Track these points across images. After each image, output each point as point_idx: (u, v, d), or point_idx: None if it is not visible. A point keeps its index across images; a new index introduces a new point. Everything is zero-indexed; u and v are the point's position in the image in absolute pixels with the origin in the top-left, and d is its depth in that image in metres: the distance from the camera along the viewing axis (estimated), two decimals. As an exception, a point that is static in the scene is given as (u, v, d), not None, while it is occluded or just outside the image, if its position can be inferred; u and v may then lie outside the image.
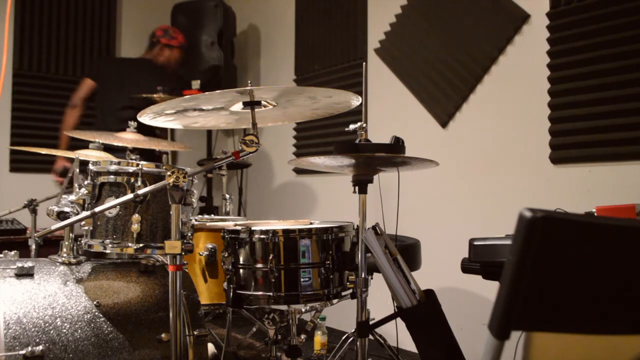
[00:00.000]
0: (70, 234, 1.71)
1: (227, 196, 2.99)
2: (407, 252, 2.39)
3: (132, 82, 3.41)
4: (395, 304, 2.07)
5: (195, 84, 3.97)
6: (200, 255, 2.02)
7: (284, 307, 1.85)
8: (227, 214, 2.99)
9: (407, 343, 2.76)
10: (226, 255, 1.84)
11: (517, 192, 2.64)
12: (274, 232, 1.76)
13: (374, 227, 1.74)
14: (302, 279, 1.76)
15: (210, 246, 2.03)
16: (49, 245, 2.27)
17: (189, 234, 1.70)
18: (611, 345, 0.82)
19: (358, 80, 3.39)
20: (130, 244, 1.64)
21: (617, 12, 2.25)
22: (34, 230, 2.46)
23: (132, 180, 1.66)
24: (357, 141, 1.79)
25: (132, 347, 1.54)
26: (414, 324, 1.78)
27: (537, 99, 2.51)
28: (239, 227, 1.84)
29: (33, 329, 1.43)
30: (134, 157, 2.32)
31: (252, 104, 1.57)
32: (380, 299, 2.44)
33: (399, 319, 1.79)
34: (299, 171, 3.94)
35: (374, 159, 1.75)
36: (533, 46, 2.55)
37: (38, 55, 3.92)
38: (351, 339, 2.11)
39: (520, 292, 0.73)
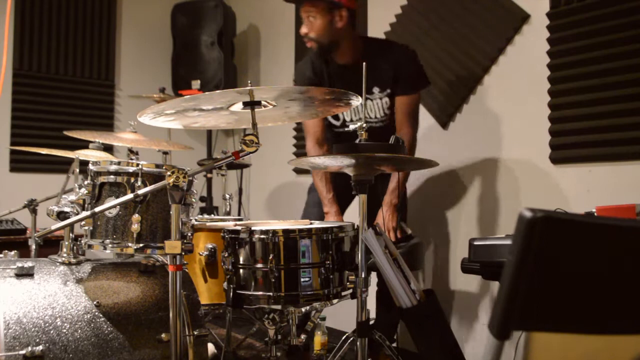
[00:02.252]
0: (70, 234, 1.71)
1: (227, 196, 2.99)
2: (411, 252, 2.38)
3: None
4: (395, 304, 2.06)
5: (195, 84, 3.97)
6: (200, 255, 2.02)
7: (283, 307, 1.85)
8: (228, 214, 2.99)
9: (407, 343, 2.76)
10: (226, 255, 1.84)
11: (517, 192, 2.64)
12: (274, 232, 1.76)
13: (374, 227, 1.74)
14: (302, 279, 1.76)
15: (210, 246, 2.03)
16: (49, 245, 2.27)
17: (189, 234, 1.70)
18: (611, 345, 0.82)
19: (358, 80, 3.38)
20: (130, 244, 1.64)
21: (617, 12, 2.25)
22: (34, 230, 2.46)
23: (132, 180, 1.66)
24: (357, 141, 1.79)
25: (132, 347, 1.54)
26: (414, 324, 1.78)
27: (537, 99, 2.51)
28: (239, 227, 1.84)
29: (33, 329, 1.43)
30: (133, 157, 2.32)
31: (252, 104, 1.57)
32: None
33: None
34: (299, 171, 3.94)
35: (374, 159, 1.75)
36: (533, 46, 2.55)
37: (38, 55, 3.92)
38: (351, 339, 2.11)
39: (520, 292, 0.73)
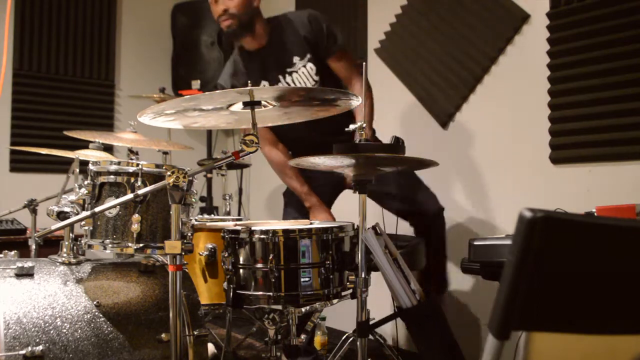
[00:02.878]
0: (70, 234, 1.71)
1: (227, 196, 2.99)
2: (411, 252, 2.38)
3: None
4: (395, 304, 2.06)
5: (195, 84, 3.97)
6: (200, 255, 2.01)
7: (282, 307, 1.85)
8: (228, 214, 2.99)
9: (407, 343, 2.76)
10: (226, 255, 1.84)
11: (517, 192, 2.64)
12: (274, 232, 1.76)
13: (374, 227, 1.74)
14: (302, 279, 1.76)
15: (210, 246, 2.03)
16: (49, 245, 2.27)
17: (189, 234, 1.70)
18: (611, 345, 0.82)
19: (358, 80, 3.38)
20: (130, 244, 1.64)
21: (617, 12, 2.25)
22: (34, 230, 2.46)
23: (132, 180, 1.66)
24: (357, 141, 1.79)
25: (132, 347, 1.54)
26: (414, 324, 1.78)
27: (537, 99, 2.51)
28: (239, 227, 1.84)
29: (33, 329, 1.43)
30: (133, 157, 2.32)
31: (252, 104, 1.57)
32: (380, 298, 2.45)
33: (399, 319, 1.78)
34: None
35: (374, 159, 1.75)
36: (533, 46, 2.55)
37: (38, 55, 3.92)
38: (351, 339, 2.11)
39: (520, 292, 0.73)
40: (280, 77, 2.46)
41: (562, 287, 0.76)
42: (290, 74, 2.45)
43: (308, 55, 2.44)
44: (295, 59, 2.45)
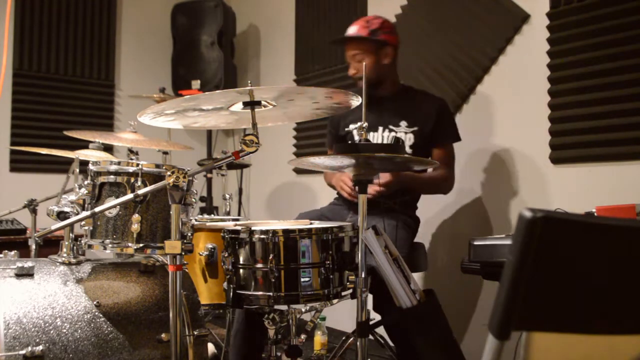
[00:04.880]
0: (70, 234, 1.71)
1: (227, 196, 2.99)
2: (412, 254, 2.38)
3: None
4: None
5: (195, 84, 3.97)
6: (200, 255, 2.01)
7: (284, 307, 1.84)
8: (228, 214, 2.99)
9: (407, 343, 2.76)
10: (226, 255, 1.84)
11: (517, 192, 2.64)
12: (274, 232, 1.76)
13: (374, 227, 1.74)
14: (302, 279, 1.76)
15: (210, 246, 2.02)
16: (49, 245, 2.27)
17: (189, 234, 1.70)
18: (611, 345, 0.82)
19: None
20: (130, 244, 1.64)
21: (617, 12, 2.26)
22: (34, 230, 2.46)
23: (132, 180, 1.66)
24: (356, 141, 1.79)
25: (132, 347, 1.54)
26: (414, 324, 1.78)
27: (537, 99, 2.51)
28: (239, 227, 1.84)
29: (33, 329, 1.43)
30: (133, 157, 2.32)
31: (252, 104, 1.57)
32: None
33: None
34: (299, 171, 3.94)
35: (374, 159, 1.75)
36: (533, 46, 2.55)
37: (38, 55, 3.92)
38: (351, 339, 2.11)
39: (520, 292, 0.73)
40: (381, 127, 2.45)
41: (562, 287, 0.76)
42: (390, 130, 2.44)
43: (415, 128, 2.43)
44: (402, 123, 2.45)
